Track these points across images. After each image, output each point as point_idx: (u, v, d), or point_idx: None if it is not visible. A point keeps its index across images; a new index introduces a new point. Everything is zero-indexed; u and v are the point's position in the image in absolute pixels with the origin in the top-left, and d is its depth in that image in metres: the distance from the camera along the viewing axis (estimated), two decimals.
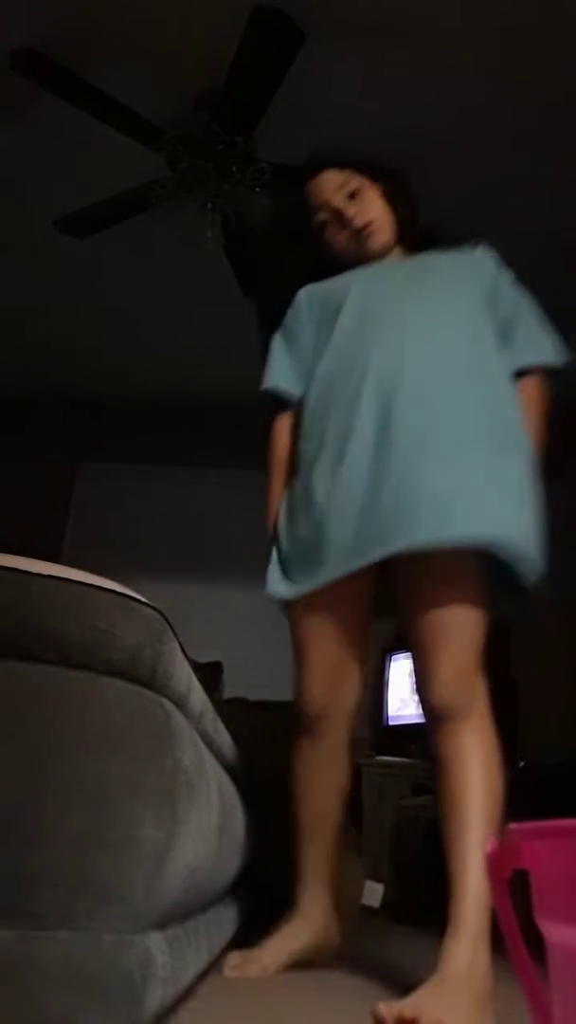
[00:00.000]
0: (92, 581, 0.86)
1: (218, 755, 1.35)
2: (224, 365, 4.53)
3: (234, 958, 1.47)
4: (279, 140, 2.99)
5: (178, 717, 0.95)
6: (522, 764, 3.23)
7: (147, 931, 0.86)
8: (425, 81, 2.91)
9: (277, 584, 1.59)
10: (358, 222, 1.73)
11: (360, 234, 1.74)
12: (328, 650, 1.58)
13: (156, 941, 0.88)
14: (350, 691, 1.61)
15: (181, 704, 0.99)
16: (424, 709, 1.50)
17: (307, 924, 1.57)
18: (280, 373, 1.76)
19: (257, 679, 3.97)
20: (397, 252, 1.80)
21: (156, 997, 0.84)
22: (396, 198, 1.79)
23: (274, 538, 1.66)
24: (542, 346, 1.68)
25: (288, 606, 1.60)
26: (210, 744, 1.25)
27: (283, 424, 1.76)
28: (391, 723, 4.15)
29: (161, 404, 4.90)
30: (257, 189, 3.07)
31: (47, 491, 4.87)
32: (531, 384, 1.67)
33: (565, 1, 2.58)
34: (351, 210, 1.74)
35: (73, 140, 3.16)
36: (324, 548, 1.50)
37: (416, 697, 1.56)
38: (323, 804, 1.61)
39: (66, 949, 0.76)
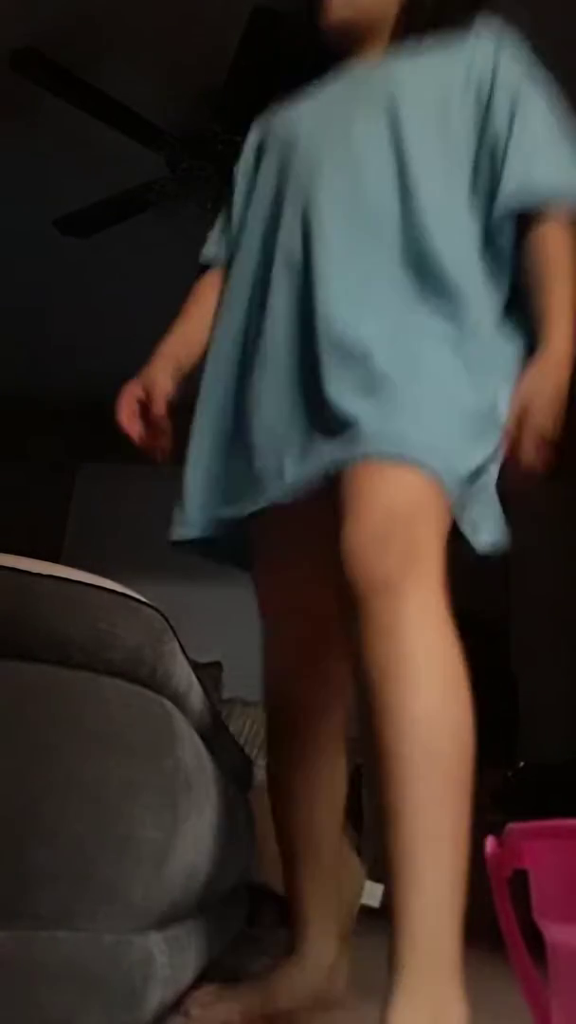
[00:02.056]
0: (92, 581, 0.86)
1: (218, 755, 1.35)
2: None
3: (206, 995, 1.13)
4: None
5: (178, 717, 0.95)
6: (522, 764, 3.23)
7: (147, 931, 0.86)
8: None
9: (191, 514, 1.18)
10: None
11: None
12: (298, 605, 1.18)
13: (156, 941, 0.88)
14: (334, 668, 1.18)
15: (181, 704, 0.99)
16: (341, 602, 0.95)
17: (308, 972, 1.20)
18: (210, 243, 1.43)
19: (257, 679, 3.97)
20: (374, 46, 1.29)
21: (156, 997, 0.84)
22: None
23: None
24: (540, 167, 1.15)
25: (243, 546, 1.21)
26: (210, 744, 1.25)
27: (206, 280, 1.42)
28: None
29: None
30: None
31: (47, 491, 4.87)
32: (543, 230, 1.15)
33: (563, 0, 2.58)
34: None
35: (73, 140, 3.16)
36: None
37: None
38: (313, 829, 1.21)
39: (66, 949, 0.76)
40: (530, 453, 1.08)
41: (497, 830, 0.69)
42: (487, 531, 1.08)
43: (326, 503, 1.02)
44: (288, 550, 1.18)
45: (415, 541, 0.94)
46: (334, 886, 1.25)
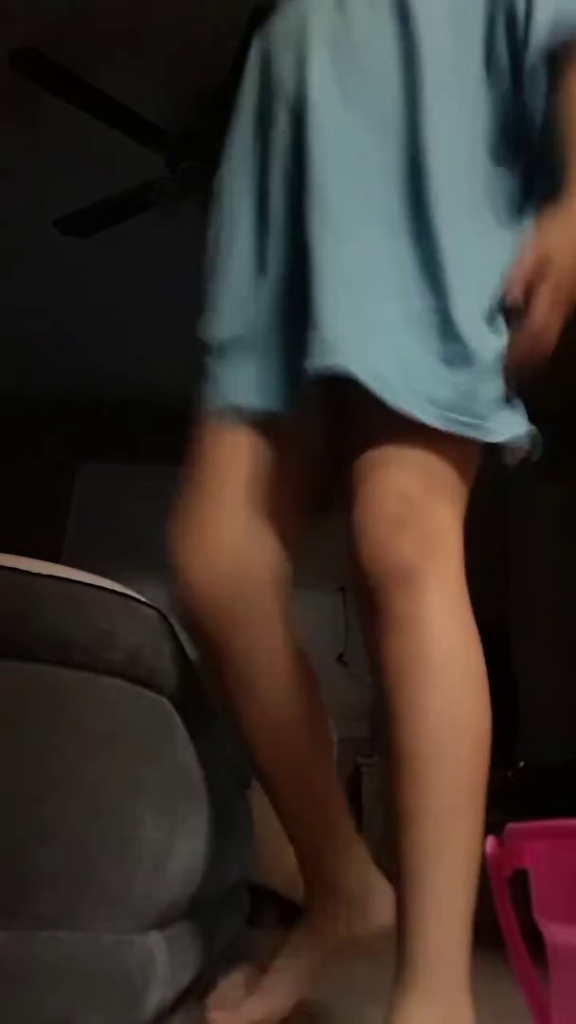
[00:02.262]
0: (92, 581, 0.86)
1: (218, 754, 1.35)
2: None
3: (224, 996, 1.06)
4: None
5: (178, 717, 0.95)
6: (522, 764, 3.23)
7: (147, 931, 0.86)
8: None
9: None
10: None
11: None
12: (247, 478, 1.01)
13: (156, 941, 0.88)
14: (271, 549, 0.99)
15: (181, 704, 0.99)
16: (357, 595, 0.91)
17: (343, 912, 1.03)
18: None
19: None
20: None
21: (156, 997, 0.84)
22: None
23: None
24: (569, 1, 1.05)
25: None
26: (210, 744, 1.25)
27: None
28: None
29: (161, 404, 4.90)
30: None
31: (47, 491, 4.87)
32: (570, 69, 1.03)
33: None
34: None
35: (73, 140, 3.16)
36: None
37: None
38: (291, 762, 1.00)
39: (66, 949, 0.76)
40: (544, 311, 0.93)
41: (497, 830, 0.69)
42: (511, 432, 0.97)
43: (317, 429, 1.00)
44: (269, 461, 1.03)
45: (432, 525, 0.88)
46: (341, 812, 1.05)
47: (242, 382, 1.02)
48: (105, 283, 4.08)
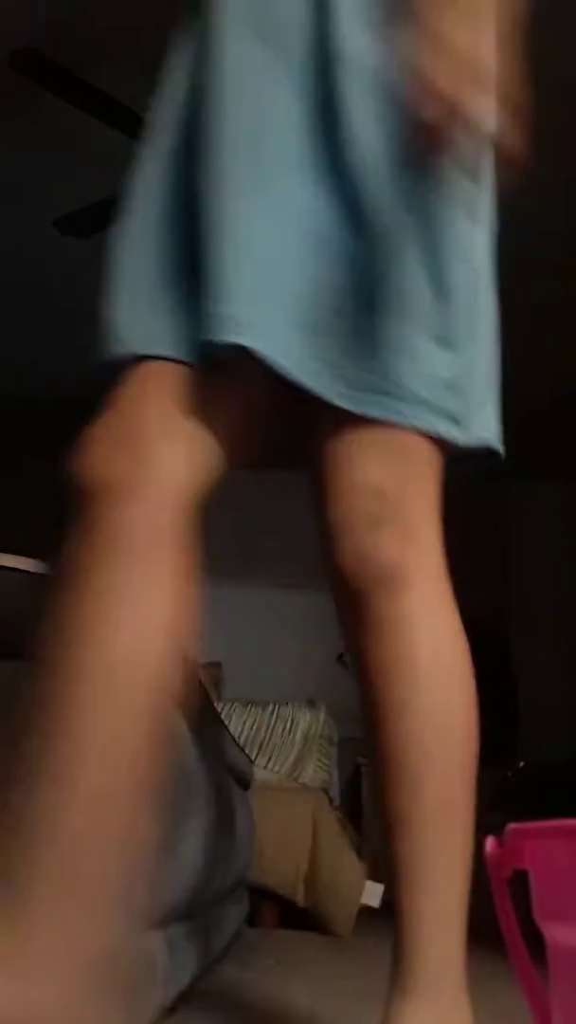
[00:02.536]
0: None
1: (218, 755, 1.35)
2: None
3: None
4: None
5: (178, 717, 0.95)
6: (522, 764, 3.23)
7: (147, 931, 0.86)
8: None
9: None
10: None
11: None
12: (171, 395, 0.85)
13: (156, 941, 0.88)
14: (197, 453, 0.86)
15: (181, 704, 0.99)
16: (336, 596, 0.87)
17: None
18: None
19: (257, 679, 3.97)
20: None
21: (156, 997, 0.84)
22: None
23: None
24: None
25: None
26: (210, 744, 1.25)
27: None
28: None
29: None
30: None
31: (47, 491, 4.87)
32: None
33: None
34: None
35: (73, 140, 3.16)
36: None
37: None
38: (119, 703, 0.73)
39: None
40: (435, 74, 0.70)
41: (497, 830, 0.69)
42: (478, 424, 0.87)
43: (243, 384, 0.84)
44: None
45: (409, 519, 0.84)
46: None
47: (156, 335, 0.88)
48: (105, 283, 4.08)
